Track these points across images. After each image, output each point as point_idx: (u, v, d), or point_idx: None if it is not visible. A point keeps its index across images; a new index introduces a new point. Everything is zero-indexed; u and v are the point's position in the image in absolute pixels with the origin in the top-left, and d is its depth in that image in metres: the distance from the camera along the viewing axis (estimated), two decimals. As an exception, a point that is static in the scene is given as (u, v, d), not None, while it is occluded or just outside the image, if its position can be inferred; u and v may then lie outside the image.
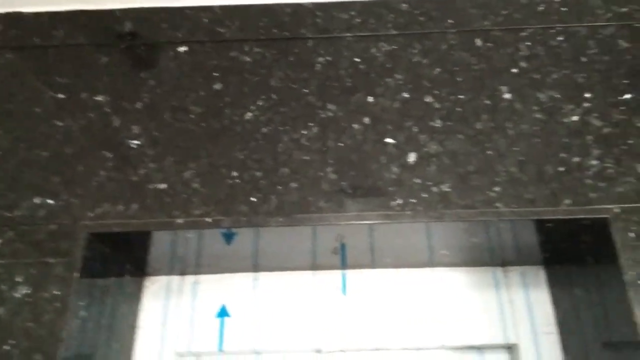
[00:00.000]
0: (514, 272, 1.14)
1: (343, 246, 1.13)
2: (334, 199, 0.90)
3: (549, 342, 1.08)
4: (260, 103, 0.99)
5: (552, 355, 1.07)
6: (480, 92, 0.98)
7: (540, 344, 1.08)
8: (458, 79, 1.00)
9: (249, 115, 0.98)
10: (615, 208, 0.87)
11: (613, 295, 0.88)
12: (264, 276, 1.16)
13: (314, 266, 1.16)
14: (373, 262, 1.16)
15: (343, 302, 1.13)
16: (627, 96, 0.96)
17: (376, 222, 0.88)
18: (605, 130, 0.93)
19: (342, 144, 0.94)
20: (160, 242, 1.01)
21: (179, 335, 1.12)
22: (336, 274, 1.16)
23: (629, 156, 0.91)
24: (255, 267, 1.16)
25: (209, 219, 0.89)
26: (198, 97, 1.00)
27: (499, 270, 1.15)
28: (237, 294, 1.15)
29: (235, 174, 0.93)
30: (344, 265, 1.16)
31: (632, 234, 0.85)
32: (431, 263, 1.16)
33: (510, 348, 1.11)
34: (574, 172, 0.90)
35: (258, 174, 0.92)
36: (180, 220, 0.89)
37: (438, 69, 1.00)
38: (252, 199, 0.90)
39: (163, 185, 0.92)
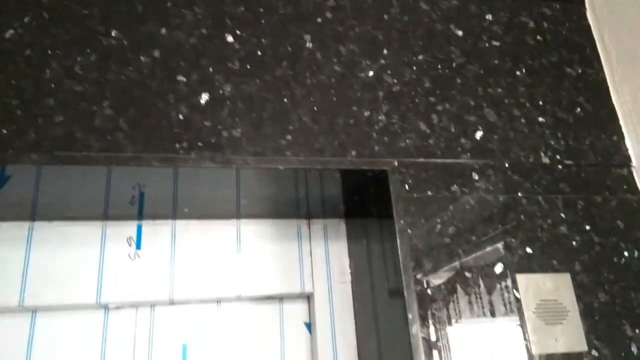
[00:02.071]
0: (317, 225, 1.17)
1: (142, 195, 1.04)
2: (108, 137, 0.80)
3: (342, 291, 1.13)
4: (26, 20, 0.83)
5: (345, 303, 1.12)
6: (284, 39, 0.95)
7: (335, 293, 1.12)
8: (262, 21, 0.95)
9: (10, 33, 0.82)
10: (395, 161, 0.91)
11: (394, 245, 0.93)
12: (42, 227, 1.02)
13: (106, 216, 1.06)
14: (174, 213, 1.09)
15: (137, 255, 1.05)
16: (420, 57, 1.00)
17: (155, 166, 0.81)
18: (395, 88, 0.97)
19: (125, 77, 0.84)
20: None
21: None
22: (131, 226, 1.07)
23: (414, 114, 0.96)
24: (32, 216, 1.01)
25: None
26: (-56, 5, 0.81)
27: (303, 223, 1.16)
28: (9, 246, 1.00)
29: (-14, 101, 0.77)
30: (140, 216, 1.08)
31: (407, 186, 0.90)
32: (237, 215, 1.13)
33: (308, 297, 1.14)
34: (362, 125, 0.92)
35: (15, 102, 0.78)
36: None
37: (242, 8, 0.94)
38: (3, 130, 0.76)
39: None
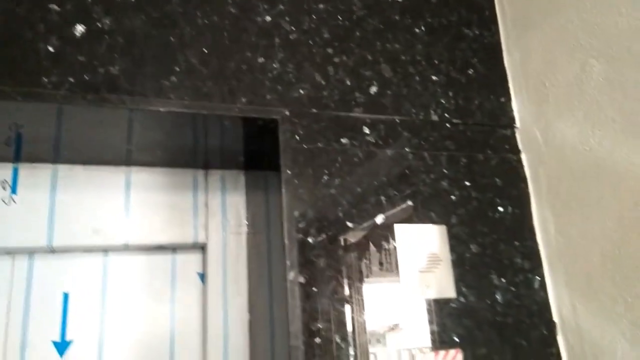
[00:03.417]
0: (215, 176, 1.14)
1: (19, 136, 0.96)
2: (-39, 65, 0.72)
3: (237, 242, 1.12)
4: None
5: (240, 254, 1.12)
6: (175, -27, 0.89)
7: (229, 244, 1.11)
8: (151, -49, 0.88)
9: None
10: (286, 111, 0.90)
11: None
12: None
13: (-25, 157, 0.97)
14: (55, 157, 1.02)
15: (12, 200, 0.98)
16: (320, 6, 0.98)
17: (18, 100, 0.74)
18: (293, 36, 0.94)
19: (-15, 1, 0.75)
20: None
21: None
22: (6, 168, 0.99)
23: (310, 64, 0.94)
24: None
25: None
26: None
27: (200, 173, 1.14)
28: None
29: None
30: (17, 158, 1.00)
31: (297, 137, 0.89)
32: (127, 161, 1.08)
33: (202, 248, 1.12)
34: (255, 72, 0.90)
35: None
36: None
37: None
38: None
39: None
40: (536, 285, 0.97)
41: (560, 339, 0.95)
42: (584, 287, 0.91)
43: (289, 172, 0.87)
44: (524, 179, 1.03)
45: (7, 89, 0.74)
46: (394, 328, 0.85)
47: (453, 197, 0.97)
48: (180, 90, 0.84)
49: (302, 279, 0.82)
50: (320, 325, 0.81)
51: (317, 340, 0.80)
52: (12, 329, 0.97)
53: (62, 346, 0.99)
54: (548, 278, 0.98)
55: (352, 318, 0.83)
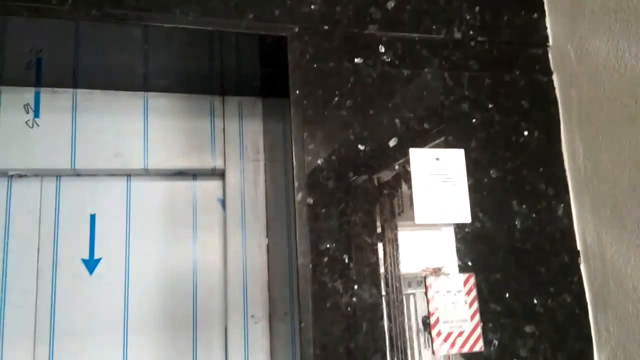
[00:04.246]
0: (232, 102, 1.13)
1: (39, 60, 0.98)
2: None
3: (255, 168, 1.13)
4: None
5: (257, 180, 1.12)
6: None
7: (246, 171, 1.12)
8: None
9: None
10: (296, 27, 0.86)
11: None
12: None
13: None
14: (75, 82, 1.03)
15: (36, 123, 1.01)
16: None
17: (23, 15, 0.74)
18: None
19: None
20: None
21: None
22: (28, 92, 1.02)
23: (322, -23, 0.89)
24: None
25: None
26: None
27: (217, 99, 1.13)
28: None
29: None
30: (38, 82, 1.02)
31: (307, 56, 0.86)
32: (145, 87, 1.08)
33: (222, 175, 1.13)
34: (263, -15, 0.86)
35: None
36: None
37: None
38: None
39: None
40: (560, 212, 0.93)
41: (582, 267, 0.91)
42: (610, 214, 0.86)
43: (297, 92, 0.84)
44: (554, 102, 0.96)
45: (13, 4, 0.74)
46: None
47: (474, 120, 0.92)
48: (185, 5, 0.81)
49: (310, 200, 0.82)
50: (328, 245, 0.81)
51: (325, 259, 0.81)
52: (44, 248, 1.03)
53: (91, 264, 1.05)
54: (573, 205, 0.93)
55: (360, 238, 0.82)
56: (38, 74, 1.00)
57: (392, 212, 0.85)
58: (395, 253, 0.84)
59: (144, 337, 1.05)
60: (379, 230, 0.84)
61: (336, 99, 0.86)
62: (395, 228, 0.84)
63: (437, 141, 0.90)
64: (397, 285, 0.83)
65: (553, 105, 0.96)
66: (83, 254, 1.05)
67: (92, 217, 1.06)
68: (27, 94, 1.01)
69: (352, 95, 0.87)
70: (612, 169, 0.85)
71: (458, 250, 0.86)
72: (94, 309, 1.04)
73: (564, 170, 0.94)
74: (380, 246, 0.83)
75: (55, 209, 1.04)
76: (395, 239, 0.84)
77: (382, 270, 0.83)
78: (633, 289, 0.81)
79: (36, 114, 1.01)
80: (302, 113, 0.84)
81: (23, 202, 1.03)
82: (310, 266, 0.80)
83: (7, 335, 0.99)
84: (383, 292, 0.82)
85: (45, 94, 1.02)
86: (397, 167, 0.86)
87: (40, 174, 1.03)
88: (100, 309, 1.04)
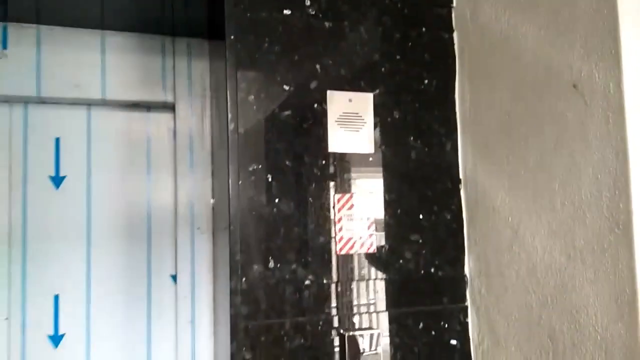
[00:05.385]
0: (182, 43, 1.28)
1: (4, -3, 1.09)
2: None
3: (202, 103, 1.29)
4: None
5: (204, 113, 1.29)
6: None
7: (194, 105, 1.28)
8: None
9: None
10: (233, -19, 1.00)
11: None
12: None
13: (-33, 15, 1.11)
14: (38, 18, 1.15)
15: (4, 54, 1.14)
16: None
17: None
18: None
19: None
20: None
21: None
22: (-5, 26, 1.14)
23: (257, -64, 1.02)
24: None
25: None
26: None
27: (168, 40, 1.27)
28: None
29: None
30: (5, 17, 1.13)
31: (242, 6, 1.01)
32: (102, 25, 1.21)
33: (172, 108, 1.29)
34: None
35: None
36: None
37: None
38: None
39: None
40: (448, 148, 1.14)
41: (462, 192, 1.14)
42: (484, 149, 1.08)
43: (232, 37, 1.00)
44: (452, 56, 1.15)
45: (-18, -50, 0.86)
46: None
47: (383, 69, 1.10)
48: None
49: (241, 130, 1.00)
50: (254, 167, 1.00)
51: (252, 178, 1.00)
52: (15, 167, 1.19)
53: (57, 180, 1.21)
54: (460, 142, 1.15)
55: (282, 163, 1.02)
56: (4, 9, 1.11)
57: (310, 142, 1.05)
58: (310, 175, 1.04)
59: (105, 246, 1.24)
60: (299, 157, 1.04)
61: (266, 45, 1.02)
62: (312, 155, 1.04)
63: (350, 85, 1.08)
64: (311, 200, 1.04)
65: (451, 59, 1.15)
66: (49, 171, 1.21)
67: (57, 140, 1.21)
68: (-6, 28, 1.13)
69: (280, 42, 1.03)
70: (487, 113, 1.06)
71: (360, 174, 1.07)
72: (61, 220, 1.21)
73: (455, 114, 1.15)
74: (299, 169, 1.03)
75: (24, 132, 1.19)
76: (312, 164, 1.04)
77: (298, 188, 1.03)
78: (492, 209, 1.05)
79: (4, 46, 1.13)
80: (236, 56, 1.00)
81: (-6, 125, 1.18)
82: (239, 182, 0.99)
83: (-16, 240, 1.16)
84: (299, 206, 1.03)
85: (12, 28, 1.14)
86: (315, 105, 1.05)
87: (9, 100, 1.17)
88: (67, 220, 1.22)
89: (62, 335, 1.18)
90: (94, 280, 1.22)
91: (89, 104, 1.23)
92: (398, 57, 1.11)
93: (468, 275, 1.12)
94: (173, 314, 1.24)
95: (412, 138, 1.12)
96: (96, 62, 1.19)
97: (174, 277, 1.25)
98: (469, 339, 1.10)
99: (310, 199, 1.03)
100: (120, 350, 1.21)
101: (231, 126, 0.99)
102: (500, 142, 1.02)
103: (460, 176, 1.14)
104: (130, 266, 1.25)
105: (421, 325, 1.08)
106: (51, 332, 1.17)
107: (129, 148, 1.27)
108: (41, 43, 1.16)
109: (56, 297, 1.18)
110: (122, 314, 1.23)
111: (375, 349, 1.03)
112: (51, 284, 1.19)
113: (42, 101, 1.19)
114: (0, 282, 1.15)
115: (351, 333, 1.01)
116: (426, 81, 1.13)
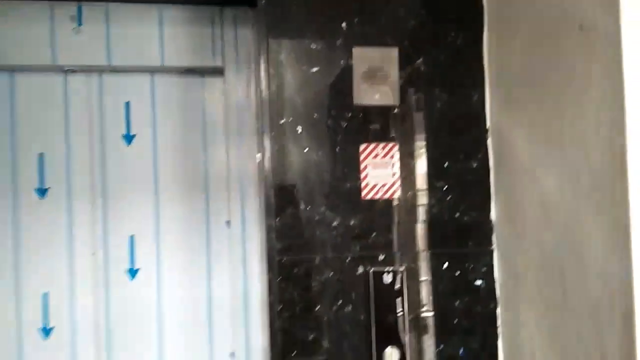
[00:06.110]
0: (228, 12, 1.40)
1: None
2: None
3: (247, 66, 1.42)
4: None
5: (250, 76, 1.42)
6: None
7: (240, 69, 1.41)
8: None
9: None
10: (264, -50, 1.10)
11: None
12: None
13: (50, -3, 1.31)
14: (110, -6, 1.33)
15: (80, 30, 1.33)
16: None
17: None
18: None
19: None
20: None
21: None
22: (72, 6, 1.33)
23: None
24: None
25: None
26: None
27: (216, 10, 1.40)
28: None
29: None
30: (79, -1, 1.33)
31: (273, -28, 1.10)
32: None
33: (222, 73, 1.43)
34: None
35: None
36: None
37: None
38: None
39: None
40: (475, 98, 1.17)
41: (489, 141, 1.17)
42: (508, 98, 1.11)
43: (263, 1, 1.11)
44: (480, 12, 1.17)
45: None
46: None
47: (408, 25, 1.15)
48: None
49: (273, 87, 1.11)
50: (286, 119, 1.12)
51: (284, 130, 1.12)
52: (94, 128, 1.40)
53: (128, 138, 1.41)
54: (487, 94, 1.17)
55: (312, 114, 1.12)
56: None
57: (336, 95, 1.14)
58: (337, 126, 1.13)
59: (170, 196, 1.43)
60: (326, 109, 1.13)
61: (294, 7, 1.12)
62: (339, 108, 1.13)
63: (376, 41, 1.14)
64: (338, 149, 1.14)
65: (480, 16, 1.17)
66: (122, 131, 1.41)
67: (127, 104, 1.41)
68: (72, 7, 1.33)
69: (307, 4, 1.12)
70: (510, 63, 1.08)
71: (385, 124, 1.15)
72: (134, 172, 1.41)
73: (482, 67, 1.17)
74: (327, 121, 1.13)
75: (99, 98, 1.39)
76: (339, 116, 1.13)
77: (326, 138, 1.13)
78: (515, 157, 1.08)
79: (80, 23, 1.33)
80: (267, 19, 1.11)
81: (76, 93, 1.39)
82: (272, 133, 1.11)
83: (73, 192, 1.39)
84: (327, 155, 1.13)
85: (86, 7, 1.33)
86: (342, 62, 1.13)
87: (85, 70, 1.37)
88: (138, 172, 1.42)
89: (138, 270, 1.39)
90: (162, 224, 1.41)
91: (151, 71, 1.41)
92: (424, 12, 1.15)
93: (494, 220, 1.16)
94: (227, 254, 1.41)
95: (437, 90, 1.16)
96: (155, 33, 1.36)
97: (228, 223, 1.42)
98: (494, 279, 1.16)
99: (337, 148, 1.13)
100: (186, 282, 1.41)
101: (264, 83, 1.11)
102: (521, 90, 1.05)
103: (487, 126, 1.17)
104: (192, 213, 1.43)
105: (446, 264, 1.15)
106: (128, 267, 1.39)
107: (187, 110, 1.43)
108: (110, 19, 1.34)
109: (132, 237, 1.40)
110: (185, 253, 1.42)
111: (400, 285, 1.12)
112: (127, 226, 1.40)
113: (113, 70, 1.38)
114: (87, 225, 1.38)
115: (375, 269, 1.11)
116: (453, 33, 1.17)
